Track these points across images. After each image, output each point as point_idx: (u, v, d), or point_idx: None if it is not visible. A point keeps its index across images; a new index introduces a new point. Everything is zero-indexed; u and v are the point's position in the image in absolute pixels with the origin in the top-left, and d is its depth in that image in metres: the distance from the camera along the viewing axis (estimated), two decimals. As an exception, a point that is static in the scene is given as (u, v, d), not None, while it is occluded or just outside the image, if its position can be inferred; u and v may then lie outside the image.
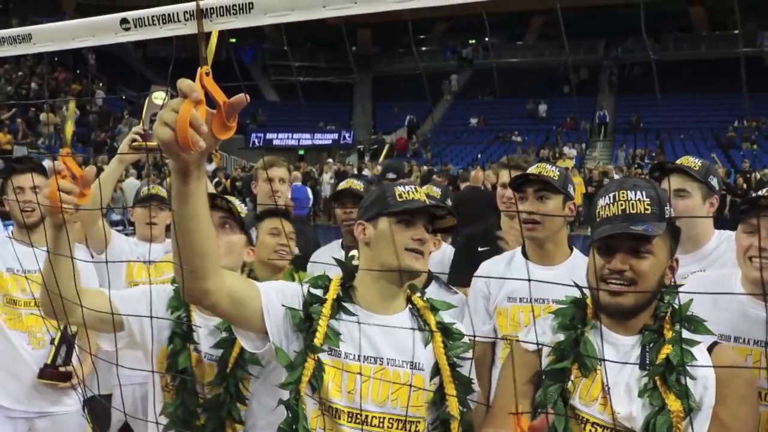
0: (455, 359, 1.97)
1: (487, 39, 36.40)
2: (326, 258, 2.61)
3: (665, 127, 28.34)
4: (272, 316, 1.88)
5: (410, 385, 1.91)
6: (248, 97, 1.45)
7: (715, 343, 1.80)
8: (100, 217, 3.40)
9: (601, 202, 1.84)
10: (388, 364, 1.91)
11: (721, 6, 32.68)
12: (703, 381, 1.70)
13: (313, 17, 1.43)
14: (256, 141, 29.04)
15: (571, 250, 2.78)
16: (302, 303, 1.95)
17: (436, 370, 1.96)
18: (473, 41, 38.10)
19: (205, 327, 2.34)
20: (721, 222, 3.03)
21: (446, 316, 2.05)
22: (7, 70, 22.93)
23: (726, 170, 19.93)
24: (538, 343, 1.77)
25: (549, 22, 36.74)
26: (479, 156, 27.76)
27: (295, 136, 31.27)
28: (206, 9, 1.50)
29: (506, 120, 32.77)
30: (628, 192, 1.79)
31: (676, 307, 1.80)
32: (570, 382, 1.77)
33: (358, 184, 3.56)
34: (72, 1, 29.70)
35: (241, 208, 2.46)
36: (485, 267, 2.87)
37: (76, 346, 3.25)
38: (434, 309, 2.03)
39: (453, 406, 1.92)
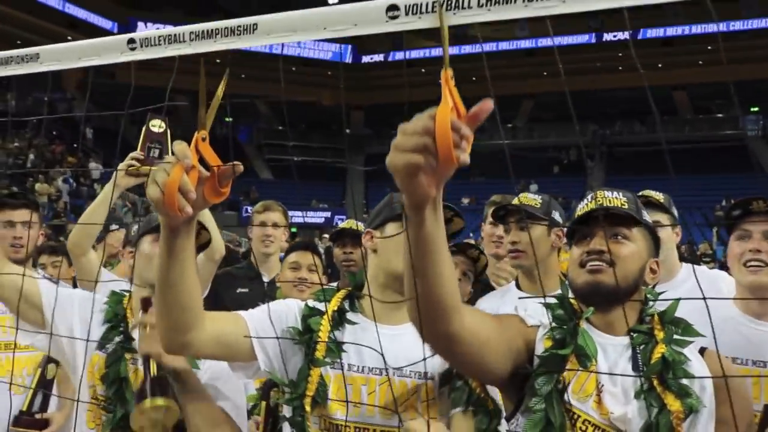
0: None
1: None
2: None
3: (655, 207, 28.68)
4: (263, 343, 1.85)
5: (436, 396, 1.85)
6: (242, 167, 1.49)
7: (703, 348, 1.78)
8: (90, 249, 3.31)
9: (580, 205, 1.87)
10: (393, 374, 1.85)
11: (702, 91, 33.78)
12: (699, 381, 1.67)
13: (314, 38, 1.50)
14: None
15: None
16: (300, 317, 1.93)
17: (448, 377, 1.90)
18: (464, 123, 38.88)
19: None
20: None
21: None
22: (5, 142, 23.24)
23: (711, 245, 20.17)
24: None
25: (538, 106, 37.76)
26: (471, 235, 27.87)
27: (288, 214, 31.34)
28: (210, 30, 1.57)
29: (497, 200, 33.13)
30: (606, 191, 1.85)
31: (661, 310, 1.79)
32: (564, 374, 1.72)
33: (359, 225, 3.55)
34: (73, 79, 30.38)
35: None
36: (481, 304, 2.86)
37: (54, 392, 3.13)
38: None
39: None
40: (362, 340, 1.88)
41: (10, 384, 2.90)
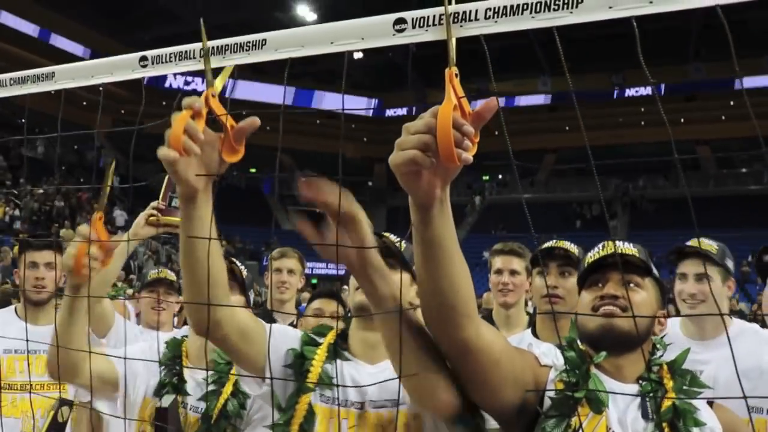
0: None
1: (500, 176, 37.35)
2: None
3: (679, 262, 28.33)
4: (274, 355, 1.86)
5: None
6: (258, 121, 1.51)
7: (710, 402, 1.76)
8: (105, 297, 3.26)
9: (590, 253, 1.87)
10: (369, 406, 1.87)
11: (726, 146, 33.65)
12: (710, 429, 1.66)
13: (321, 52, 1.50)
14: (270, 268, 29.16)
15: None
16: (300, 344, 1.98)
17: None
18: (486, 177, 39.08)
19: (191, 380, 2.34)
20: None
21: None
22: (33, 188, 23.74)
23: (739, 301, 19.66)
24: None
25: (560, 160, 37.83)
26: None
27: (309, 264, 31.28)
28: (221, 46, 1.59)
29: (519, 253, 32.92)
30: (617, 242, 1.86)
31: (669, 360, 1.77)
32: (575, 418, 1.67)
33: None
34: (103, 129, 31.05)
35: (242, 269, 2.46)
36: None
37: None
38: None
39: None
40: (347, 375, 1.93)
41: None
